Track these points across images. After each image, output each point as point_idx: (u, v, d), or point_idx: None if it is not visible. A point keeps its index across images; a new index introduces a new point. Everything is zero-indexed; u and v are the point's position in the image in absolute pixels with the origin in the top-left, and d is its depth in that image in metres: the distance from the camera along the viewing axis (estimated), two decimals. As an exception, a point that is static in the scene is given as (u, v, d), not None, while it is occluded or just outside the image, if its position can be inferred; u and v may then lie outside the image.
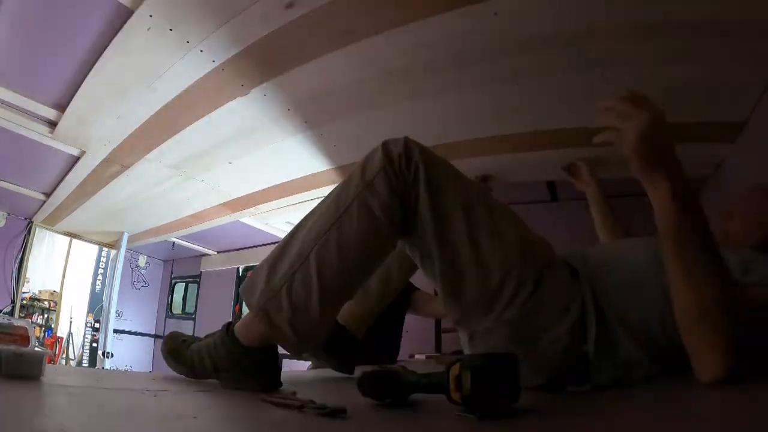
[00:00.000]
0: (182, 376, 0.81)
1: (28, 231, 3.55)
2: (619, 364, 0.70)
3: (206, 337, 0.81)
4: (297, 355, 0.77)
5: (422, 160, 0.71)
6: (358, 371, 0.84)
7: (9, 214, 3.40)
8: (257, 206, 2.72)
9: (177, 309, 5.35)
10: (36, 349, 0.65)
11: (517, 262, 0.72)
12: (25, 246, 3.55)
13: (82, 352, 4.84)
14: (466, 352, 0.78)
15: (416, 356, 2.01)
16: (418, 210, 0.71)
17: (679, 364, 0.63)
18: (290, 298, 0.70)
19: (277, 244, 0.76)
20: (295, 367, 2.11)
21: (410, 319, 1.83)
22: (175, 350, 0.82)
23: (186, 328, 4.97)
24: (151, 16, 1.28)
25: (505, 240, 0.73)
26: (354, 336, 0.98)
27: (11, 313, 3.45)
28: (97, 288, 5.20)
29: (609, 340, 0.70)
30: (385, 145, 0.72)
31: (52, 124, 1.93)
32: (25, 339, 0.68)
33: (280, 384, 0.77)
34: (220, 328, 0.80)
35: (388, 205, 0.70)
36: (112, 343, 3.94)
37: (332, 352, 0.94)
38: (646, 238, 0.83)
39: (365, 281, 0.79)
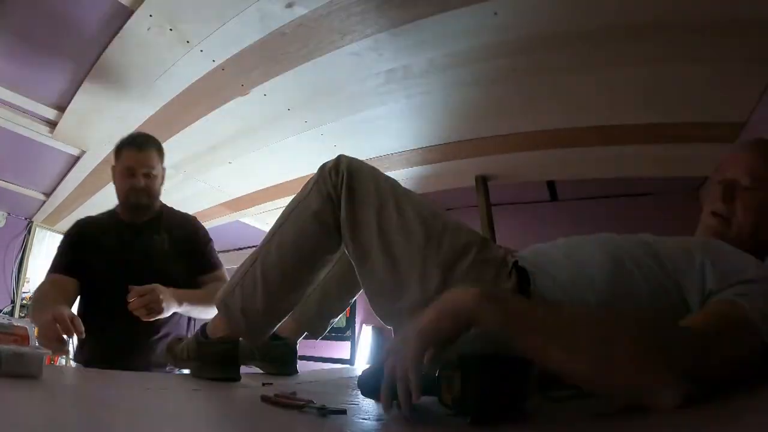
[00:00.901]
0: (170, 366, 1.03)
1: (28, 231, 3.55)
2: None
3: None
4: (251, 341, 0.93)
5: (346, 169, 0.81)
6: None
7: (9, 214, 3.40)
8: (257, 206, 2.72)
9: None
10: (37, 348, 0.66)
11: (422, 254, 0.75)
12: (25, 246, 3.55)
13: (82, 351, 4.84)
14: None
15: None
16: (340, 215, 0.80)
17: None
18: (242, 291, 0.85)
19: None
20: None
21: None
22: (171, 347, 1.01)
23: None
24: (151, 15, 1.28)
25: (411, 235, 0.77)
26: (288, 342, 1.06)
27: (11, 313, 3.45)
28: (97, 288, 5.19)
29: None
30: (322, 165, 0.84)
31: (52, 124, 1.93)
32: (25, 339, 0.68)
33: (238, 378, 0.87)
34: None
35: (319, 211, 0.81)
36: (112, 342, 3.93)
37: (273, 359, 1.04)
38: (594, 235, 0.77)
39: (303, 278, 0.87)
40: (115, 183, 1.34)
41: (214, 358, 0.87)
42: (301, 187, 0.88)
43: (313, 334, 1.09)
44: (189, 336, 1.05)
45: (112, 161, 1.36)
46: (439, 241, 0.76)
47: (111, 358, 1.14)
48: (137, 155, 1.30)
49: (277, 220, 0.87)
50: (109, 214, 1.36)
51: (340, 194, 0.81)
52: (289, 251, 0.84)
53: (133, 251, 1.27)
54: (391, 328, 0.82)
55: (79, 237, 1.29)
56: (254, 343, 0.96)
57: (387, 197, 0.81)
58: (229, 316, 0.86)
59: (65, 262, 1.23)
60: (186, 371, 1.00)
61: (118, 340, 1.19)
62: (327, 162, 0.84)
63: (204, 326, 0.92)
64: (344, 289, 1.06)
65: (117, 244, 1.27)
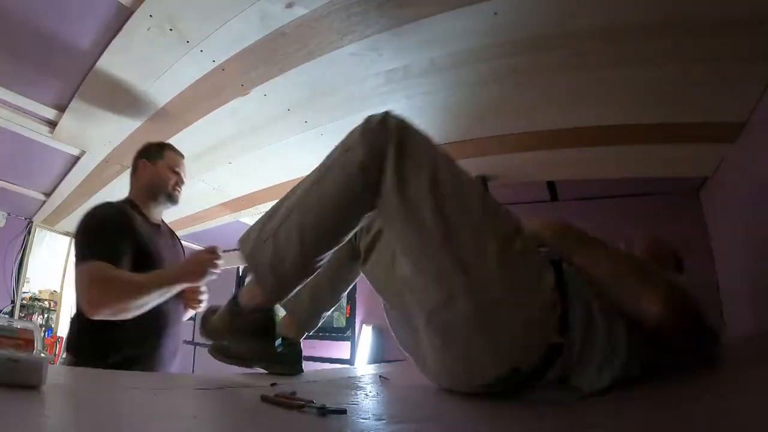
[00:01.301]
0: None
1: (28, 231, 3.55)
2: (603, 360, 0.65)
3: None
4: (274, 299, 0.85)
5: (398, 123, 0.76)
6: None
7: (9, 214, 3.40)
8: (257, 206, 2.72)
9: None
10: (42, 354, 0.59)
11: (481, 223, 0.72)
12: (25, 246, 3.55)
13: (82, 351, 4.84)
14: (418, 343, 0.80)
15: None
16: (386, 168, 0.74)
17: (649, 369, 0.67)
18: (274, 245, 0.78)
19: (270, 207, 0.85)
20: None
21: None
22: (206, 319, 0.93)
23: (186, 327, 4.97)
24: (151, 15, 1.28)
25: (467, 201, 0.73)
26: (294, 342, 1.02)
27: (11, 313, 3.45)
28: (97, 288, 5.19)
29: (592, 328, 0.66)
30: (368, 117, 0.78)
31: (52, 124, 1.93)
32: (29, 344, 0.63)
33: (275, 351, 0.87)
34: None
35: (365, 162, 0.74)
36: (112, 342, 3.93)
37: (280, 360, 0.99)
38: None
39: (339, 237, 0.80)
40: (150, 177, 1.37)
41: (247, 330, 0.84)
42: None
43: (306, 329, 1.05)
44: (222, 306, 0.94)
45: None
46: (496, 214, 0.75)
47: (147, 349, 1.18)
48: (181, 160, 1.43)
49: (313, 173, 0.80)
50: (129, 206, 1.31)
51: (388, 147, 0.74)
52: (331, 205, 0.76)
53: (160, 246, 1.28)
54: (414, 296, 0.76)
55: (122, 225, 1.20)
56: (275, 302, 0.86)
57: (440, 159, 0.76)
58: (258, 271, 0.80)
59: (116, 250, 1.13)
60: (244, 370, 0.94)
61: (157, 333, 1.22)
62: (373, 115, 0.78)
63: (236, 294, 0.86)
64: (336, 282, 1.02)
65: (149, 239, 1.25)
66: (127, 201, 1.33)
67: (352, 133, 0.78)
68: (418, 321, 0.76)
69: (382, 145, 0.74)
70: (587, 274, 0.72)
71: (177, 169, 1.39)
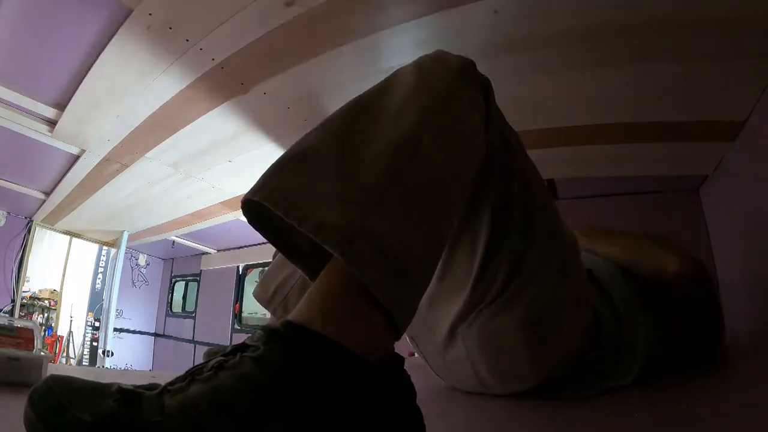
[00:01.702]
0: None
1: (28, 230, 3.55)
2: (630, 360, 0.67)
3: (206, 369, 0.35)
4: (404, 318, 0.39)
5: (484, 82, 0.56)
6: None
7: (9, 213, 3.40)
8: (257, 205, 2.72)
9: (177, 307, 5.35)
10: (42, 353, 0.59)
11: (555, 228, 0.63)
12: (25, 245, 3.55)
13: (83, 350, 4.85)
14: (439, 350, 0.70)
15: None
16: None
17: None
18: (393, 209, 0.40)
19: (324, 134, 0.48)
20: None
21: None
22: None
23: (186, 326, 4.98)
24: (150, 14, 1.28)
25: (545, 202, 0.63)
26: None
27: (11, 313, 3.45)
28: (97, 287, 5.21)
29: (621, 330, 0.68)
30: (444, 59, 0.56)
31: (52, 123, 1.93)
32: (29, 342, 0.63)
33: None
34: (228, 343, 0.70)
35: (481, 105, 0.52)
36: (113, 341, 3.95)
37: None
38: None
39: (454, 213, 0.48)
40: None
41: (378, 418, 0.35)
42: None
43: None
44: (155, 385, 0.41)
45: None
46: (560, 219, 0.66)
47: None
48: None
49: (406, 105, 0.47)
50: None
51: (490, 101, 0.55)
52: (454, 160, 0.47)
53: None
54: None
55: None
56: (404, 323, 0.40)
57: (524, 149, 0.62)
58: (379, 268, 0.36)
59: None
60: None
61: None
62: (449, 58, 0.55)
63: (278, 331, 0.35)
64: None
65: None
66: None
67: (444, 55, 0.57)
68: (447, 328, 0.65)
69: (483, 107, 0.55)
70: (612, 258, 0.80)
71: None
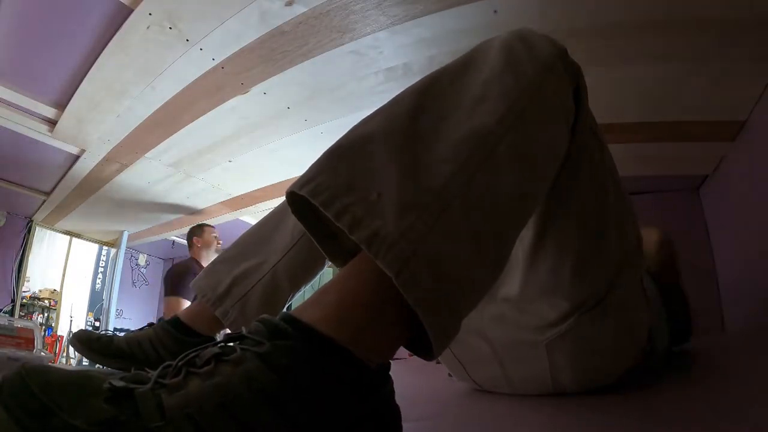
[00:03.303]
0: None
1: (28, 230, 3.54)
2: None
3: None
4: (444, 341, 0.35)
5: (576, 70, 0.49)
6: None
7: (9, 213, 3.40)
8: (257, 204, 2.71)
9: (177, 308, 5.34)
10: (42, 353, 0.58)
11: (635, 228, 0.61)
12: (25, 245, 3.54)
13: (83, 350, 4.84)
14: (495, 358, 0.67)
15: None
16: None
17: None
18: (448, 232, 0.34)
19: (389, 116, 0.40)
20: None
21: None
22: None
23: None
24: (150, 14, 1.28)
25: (627, 200, 0.60)
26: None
27: (11, 312, 3.45)
28: (97, 287, 5.20)
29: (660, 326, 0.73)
30: (530, 38, 0.46)
31: (52, 123, 1.93)
32: (30, 342, 0.63)
33: None
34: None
35: (569, 104, 0.47)
36: (113, 341, 3.93)
37: None
38: None
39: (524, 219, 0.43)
40: (205, 247, 2.38)
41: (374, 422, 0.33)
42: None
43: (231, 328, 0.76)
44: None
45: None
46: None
47: None
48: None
49: (494, 95, 0.40)
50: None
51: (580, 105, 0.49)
52: (539, 164, 0.43)
53: None
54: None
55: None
56: (441, 351, 0.35)
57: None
58: (430, 286, 0.32)
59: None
60: None
61: None
62: (539, 43, 0.46)
63: (284, 327, 0.32)
64: (296, 278, 0.78)
65: None
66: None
67: (533, 38, 0.46)
68: (526, 338, 0.62)
69: (571, 93, 0.49)
70: None
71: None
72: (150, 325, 0.74)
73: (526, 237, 0.54)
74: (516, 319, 0.61)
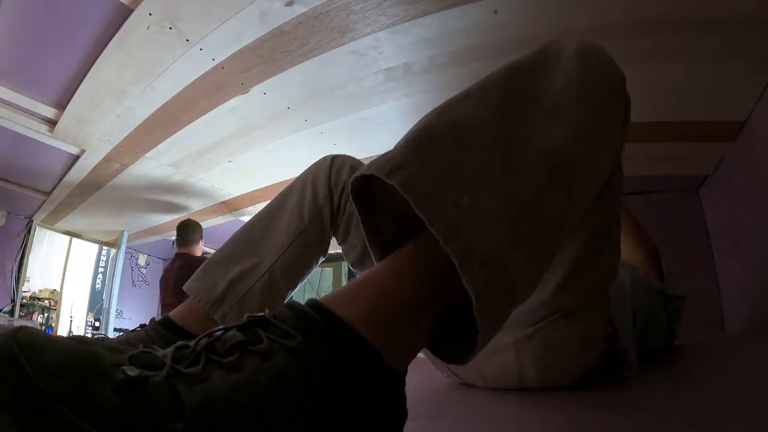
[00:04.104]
0: None
1: (28, 230, 3.54)
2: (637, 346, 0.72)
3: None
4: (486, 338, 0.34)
5: (630, 105, 0.51)
6: None
7: (9, 213, 3.40)
8: (257, 205, 2.72)
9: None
10: None
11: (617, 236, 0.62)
12: (25, 245, 3.54)
13: (83, 350, 4.83)
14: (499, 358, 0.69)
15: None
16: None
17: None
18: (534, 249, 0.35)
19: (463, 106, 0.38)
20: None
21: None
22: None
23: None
24: (150, 14, 1.28)
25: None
26: None
27: (11, 313, 3.45)
28: (98, 287, 5.20)
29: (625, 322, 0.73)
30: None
31: (52, 123, 1.93)
32: None
33: None
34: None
35: (621, 130, 0.48)
36: (113, 341, 3.94)
37: None
38: None
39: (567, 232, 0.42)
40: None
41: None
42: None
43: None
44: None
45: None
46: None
47: None
48: None
49: (569, 107, 0.40)
50: None
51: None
52: (595, 177, 0.44)
53: None
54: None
55: None
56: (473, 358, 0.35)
57: None
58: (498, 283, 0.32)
59: None
60: None
61: None
62: (612, 68, 0.46)
63: (312, 324, 0.29)
64: (293, 277, 0.77)
65: None
66: None
67: (600, 55, 0.46)
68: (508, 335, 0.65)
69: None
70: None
71: None
72: (142, 326, 0.74)
73: None
74: None
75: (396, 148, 0.35)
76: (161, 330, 0.70)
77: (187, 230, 2.65)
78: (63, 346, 0.24)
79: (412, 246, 0.35)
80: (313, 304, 0.31)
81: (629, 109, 0.50)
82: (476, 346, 0.32)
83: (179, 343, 0.28)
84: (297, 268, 0.75)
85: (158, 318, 0.73)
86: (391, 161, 0.33)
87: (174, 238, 4.02)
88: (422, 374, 0.91)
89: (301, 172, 0.79)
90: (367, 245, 0.40)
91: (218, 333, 0.29)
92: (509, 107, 0.37)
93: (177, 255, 2.81)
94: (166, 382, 0.24)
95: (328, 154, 0.79)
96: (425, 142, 0.34)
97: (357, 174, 0.36)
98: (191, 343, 0.28)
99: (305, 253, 0.75)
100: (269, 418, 0.25)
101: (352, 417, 0.28)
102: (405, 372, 0.33)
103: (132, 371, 0.24)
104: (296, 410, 0.26)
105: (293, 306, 0.30)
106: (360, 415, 0.28)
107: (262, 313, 0.30)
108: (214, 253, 0.80)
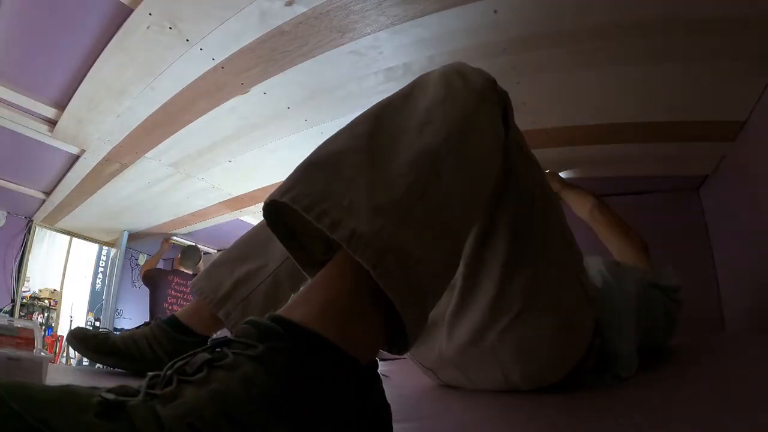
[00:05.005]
0: None
1: (28, 230, 3.54)
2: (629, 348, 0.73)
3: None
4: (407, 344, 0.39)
5: (508, 100, 0.58)
6: None
7: (9, 213, 3.40)
8: (257, 204, 2.71)
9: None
10: (42, 353, 0.58)
11: (567, 233, 0.67)
12: (25, 245, 3.54)
13: (83, 350, 4.83)
14: (448, 357, 0.72)
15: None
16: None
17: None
18: (424, 221, 0.40)
19: (354, 133, 0.47)
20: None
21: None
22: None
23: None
24: (150, 14, 1.28)
25: (556, 205, 0.67)
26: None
27: (11, 312, 3.45)
28: (98, 287, 5.20)
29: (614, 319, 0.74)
30: (482, 72, 0.55)
31: (52, 123, 1.93)
32: (30, 342, 0.63)
33: None
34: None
35: (499, 125, 0.54)
36: (113, 341, 3.93)
37: None
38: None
39: (465, 231, 0.50)
40: None
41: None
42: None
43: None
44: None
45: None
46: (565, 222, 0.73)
47: None
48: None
49: (438, 118, 0.48)
50: None
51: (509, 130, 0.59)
52: (476, 182, 0.50)
53: None
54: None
55: None
56: (414, 340, 0.39)
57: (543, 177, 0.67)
58: (409, 281, 0.37)
59: None
60: None
61: None
62: (471, 76, 0.54)
63: (274, 327, 0.33)
64: (296, 280, 0.81)
65: None
66: None
67: (469, 73, 0.54)
68: (468, 338, 0.67)
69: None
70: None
71: None
72: (146, 323, 0.74)
73: (467, 249, 0.61)
74: (456, 332, 0.68)
75: (285, 179, 0.43)
76: (166, 328, 0.70)
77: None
78: (41, 386, 0.27)
79: (340, 252, 0.40)
80: (272, 316, 0.34)
81: (507, 103, 0.57)
82: (408, 320, 0.36)
83: (151, 374, 0.30)
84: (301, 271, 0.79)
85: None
86: (282, 187, 0.42)
87: (174, 239, 4.02)
88: (417, 377, 0.91)
89: None
90: (297, 266, 0.46)
91: (186, 359, 0.31)
92: (377, 133, 0.45)
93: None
94: (143, 404, 0.27)
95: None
96: (308, 169, 0.43)
97: (264, 204, 0.43)
98: (161, 373, 0.30)
99: None
100: (249, 420, 0.27)
101: (330, 409, 0.30)
102: (374, 365, 0.36)
103: (109, 396, 0.26)
104: (272, 410, 0.28)
105: (253, 321, 0.33)
106: (338, 406, 0.31)
107: (224, 336, 0.33)
108: (221, 254, 0.83)
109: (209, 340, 0.34)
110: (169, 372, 0.30)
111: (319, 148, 0.46)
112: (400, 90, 0.52)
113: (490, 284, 0.61)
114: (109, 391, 0.28)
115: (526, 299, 0.61)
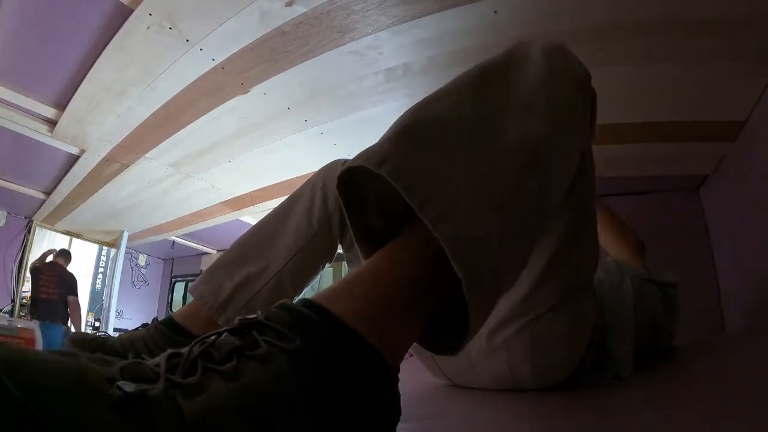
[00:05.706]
0: None
1: (28, 230, 3.55)
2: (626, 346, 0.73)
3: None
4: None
5: (596, 100, 0.56)
6: None
7: (9, 213, 3.40)
8: (257, 204, 2.72)
9: (177, 308, 5.32)
10: None
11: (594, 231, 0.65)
12: (26, 245, 3.55)
13: (83, 350, 4.83)
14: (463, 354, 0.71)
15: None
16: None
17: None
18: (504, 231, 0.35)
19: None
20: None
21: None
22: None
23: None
24: (150, 14, 1.28)
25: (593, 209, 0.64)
26: None
27: (11, 313, 3.45)
28: (98, 287, 5.21)
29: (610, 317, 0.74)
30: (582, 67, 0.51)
31: (52, 123, 1.93)
32: (30, 342, 0.62)
33: None
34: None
35: (588, 124, 0.51)
36: (113, 341, 3.93)
37: None
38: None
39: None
40: None
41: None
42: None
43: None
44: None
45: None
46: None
47: None
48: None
49: (531, 122, 0.42)
50: None
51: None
52: (551, 199, 0.44)
53: None
54: None
55: None
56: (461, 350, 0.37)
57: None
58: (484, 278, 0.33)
59: None
60: None
61: None
62: (576, 65, 0.51)
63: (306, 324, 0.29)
64: (300, 283, 0.78)
65: None
66: None
67: (570, 67, 0.50)
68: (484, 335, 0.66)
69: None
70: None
71: None
72: (144, 325, 0.74)
73: None
74: None
75: (379, 143, 0.36)
76: (164, 329, 0.70)
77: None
78: (47, 360, 0.22)
79: (403, 237, 0.36)
80: (307, 302, 0.30)
81: (595, 104, 0.54)
82: (467, 335, 0.33)
83: (170, 351, 0.27)
84: (304, 273, 0.76)
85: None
86: (379, 152, 0.34)
87: (174, 238, 4.03)
88: (418, 376, 0.91)
89: (309, 175, 0.81)
90: (354, 241, 0.40)
91: (212, 338, 0.28)
92: (482, 104, 0.40)
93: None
94: (165, 395, 0.23)
95: (328, 154, 0.79)
96: (407, 138, 0.36)
97: (344, 167, 0.36)
98: (184, 351, 0.27)
99: (313, 259, 0.76)
100: (275, 420, 0.24)
101: (358, 414, 0.28)
102: (398, 368, 0.33)
103: (128, 387, 0.22)
104: (301, 411, 0.25)
105: (286, 306, 0.30)
106: (367, 413, 0.28)
107: (254, 315, 0.30)
108: (221, 256, 0.79)
109: (237, 319, 0.30)
110: (193, 355, 0.26)
111: (414, 111, 0.39)
112: (500, 55, 0.48)
113: (526, 281, 0.58)
114: (125, 373, 0.24)
115: (559, 299, 0.59)
